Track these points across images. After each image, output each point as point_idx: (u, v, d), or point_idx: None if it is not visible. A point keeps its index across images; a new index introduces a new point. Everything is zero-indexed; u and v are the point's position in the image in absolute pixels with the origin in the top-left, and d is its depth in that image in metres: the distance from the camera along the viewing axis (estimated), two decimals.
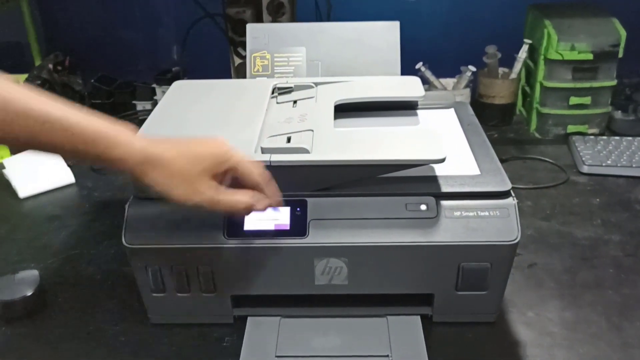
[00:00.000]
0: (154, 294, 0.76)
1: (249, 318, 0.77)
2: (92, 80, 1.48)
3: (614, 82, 1.27)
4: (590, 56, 1.24)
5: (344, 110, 0.85)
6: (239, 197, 0.65)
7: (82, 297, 0.85)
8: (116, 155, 0.60)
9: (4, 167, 1.18)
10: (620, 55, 1.24)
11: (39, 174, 1.16)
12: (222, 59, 1.44)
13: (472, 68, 1.36)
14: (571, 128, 1.31)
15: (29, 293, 0.81)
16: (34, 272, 0.85)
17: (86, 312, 0.82)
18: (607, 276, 0.87)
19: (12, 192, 1.14)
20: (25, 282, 0.83)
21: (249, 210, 0.65)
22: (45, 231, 1.02)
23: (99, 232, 1.01)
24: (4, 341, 0.78)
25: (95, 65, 1.54)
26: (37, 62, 1.53)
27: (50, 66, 1.41)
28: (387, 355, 0.71)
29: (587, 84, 1.27)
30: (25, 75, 1.41)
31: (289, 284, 0.75)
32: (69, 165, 1.19)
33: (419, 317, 0.77)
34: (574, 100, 1.28)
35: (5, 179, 1.17)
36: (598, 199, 1.07)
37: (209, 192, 0.63)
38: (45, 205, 1.11)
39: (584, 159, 1.18)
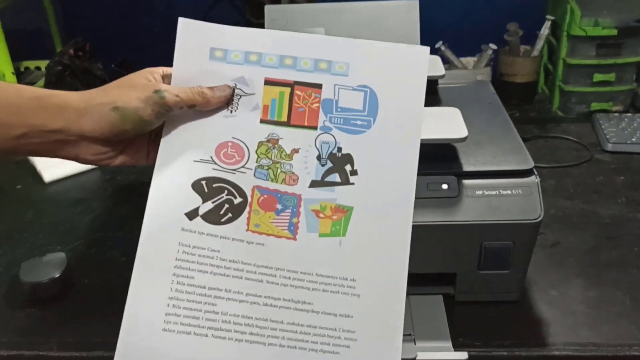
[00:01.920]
0: None
1: None
2: (113, 65, 1.49)
3: (638, 58, 1.25)
4: (614, 32, 1.22)
5: None
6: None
7: (108, 279, 0.87)
8: (55, 101, 0.57)
9: None
10: None
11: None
12: None
13: (493, 46, 1.34)
14: (595, 105, 1.29)
15: (57, 275, 0.83)
16: (61, 255, 0.86)
17: (112, 293, 0.83)
18: (632, 255, 0.86)
19: (37, 176, 1.16)
20: (53, 264, 0.85)
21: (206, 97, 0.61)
22: (71, 215, 1.04)
23: (122, 215, 1.02)
24: (33, 322, 0.80)
25: (115, 50, 1.55)
26: (58, 48, 1.55)
27: (71, 52, 1.42)
28: (410, 334, 0.71)
29: (611, 61, 1.25)
30: (47, 62, 1.43)
31: None
32: None
33: (441, 296, 0.77)
34: (597, 77, 1.26)
35: (30, 164, 1.18)
36: (622, 177, 1.06)
37: (152, 83, 0.60)
38: (69, 189, 1.13)
39: (608, 136, 1.16)
